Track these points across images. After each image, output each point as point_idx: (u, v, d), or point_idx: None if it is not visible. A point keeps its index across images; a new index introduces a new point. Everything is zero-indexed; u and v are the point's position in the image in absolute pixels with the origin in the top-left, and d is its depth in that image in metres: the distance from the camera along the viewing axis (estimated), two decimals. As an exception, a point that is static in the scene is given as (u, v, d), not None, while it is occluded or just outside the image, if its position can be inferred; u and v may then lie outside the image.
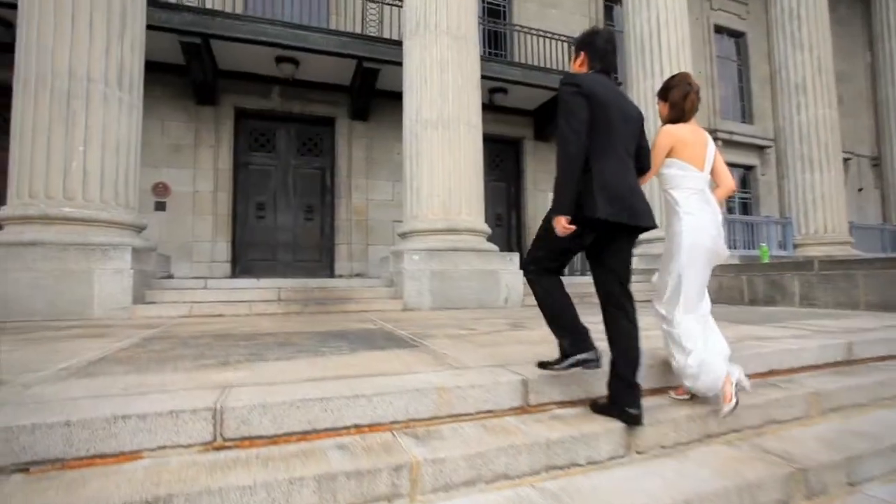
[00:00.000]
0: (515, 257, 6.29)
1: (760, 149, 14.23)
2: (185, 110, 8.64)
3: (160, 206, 8.43)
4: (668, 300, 2.08)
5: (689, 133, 2.13)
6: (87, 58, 4.99)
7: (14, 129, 4.89)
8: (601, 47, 2.01)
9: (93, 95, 5.01)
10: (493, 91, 9.58)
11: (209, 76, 8.17)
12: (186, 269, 8.42)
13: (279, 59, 8.18)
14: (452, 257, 5.91)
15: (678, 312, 2.04)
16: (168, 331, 3.69)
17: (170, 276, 6.01)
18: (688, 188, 2.08)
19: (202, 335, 3.40)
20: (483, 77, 7.13)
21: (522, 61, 10.22)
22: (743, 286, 6.26)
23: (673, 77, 2.21)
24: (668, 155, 2.12)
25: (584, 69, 2.05)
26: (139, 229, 5.47)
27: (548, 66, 10.32)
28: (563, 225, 1.82)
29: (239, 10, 8.07)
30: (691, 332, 2.00)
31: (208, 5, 7.59)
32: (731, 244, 9.89)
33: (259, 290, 5.47)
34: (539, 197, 10.98)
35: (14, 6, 5.37)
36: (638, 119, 2.03)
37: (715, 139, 13.13)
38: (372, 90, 8.96)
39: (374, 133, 9.69)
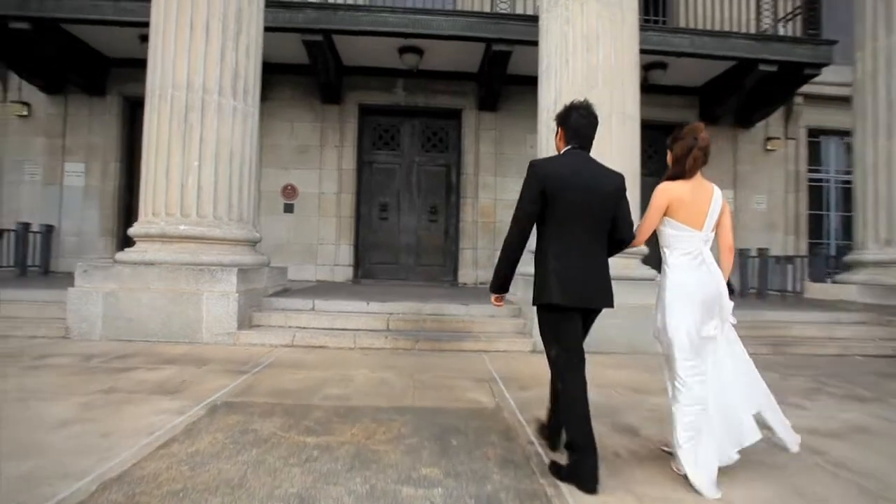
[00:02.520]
0: (683, 289, 4.75)
1: None
2: (311, 110, 8.53)
3: (289, 209, 8.50)
4: (667, 357, 2.05)
5: (689, 191, 2.04)
6: (203, 67, 4.75)
7: (143, 146, 4.89)
8: (574, 124, 2.06)
9: (208, 106, 4.78)
10: (648, 67, 7.78)
11: (332, 74, 7.87)
12: (311, 272, 8.41)
13: (402, 50, 7.52)
14: (596, 288, 4.62)
15: (676, 369, 1.98)
16: (251, 385, 3.15)
17: (286, 290, 5.77)
18: (679, 248, 2.05)
19: (280, 401, 2.77)
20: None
21: (688, 26, 8.15)
22: None
23: (682, 128, 2.11)
24: (665, 214, 2.06)
25: (563, 144, 2.12)
26: (252, 243, 5.23)
27: (724, 28, 8.10)
28: (493, 301, 2.20)
29: (361, 1, 7.57)
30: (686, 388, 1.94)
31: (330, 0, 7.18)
32: None
33: (367, 315, 4.85)
34: (705, 194, 8.85)
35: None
36: (615, 192, 2.01)
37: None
38: (502, 76, 7.86)
39: (503, 125, 8.61)
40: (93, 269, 4.47)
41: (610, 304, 1.99)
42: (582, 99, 2.16)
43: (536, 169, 1.99)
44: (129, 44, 7.60)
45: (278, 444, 2.20)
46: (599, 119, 1.96)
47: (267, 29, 6.77)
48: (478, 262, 8.55)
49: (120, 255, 4.63)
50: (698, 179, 2.06)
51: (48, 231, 8.16)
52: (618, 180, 2.05)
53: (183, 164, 4.70)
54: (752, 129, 9.21)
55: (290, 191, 8.51)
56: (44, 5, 6.92)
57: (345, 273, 8.49)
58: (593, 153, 2.07)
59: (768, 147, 9.23)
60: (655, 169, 9.08)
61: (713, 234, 2.06)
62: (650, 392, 3.26)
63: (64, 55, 7.57)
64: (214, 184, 4.79)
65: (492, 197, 8.59)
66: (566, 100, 4.97)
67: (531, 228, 2.03)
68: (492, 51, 7.21)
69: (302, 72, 8.13)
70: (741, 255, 7.87)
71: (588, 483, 1.80)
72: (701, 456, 1.84)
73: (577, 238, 1.96)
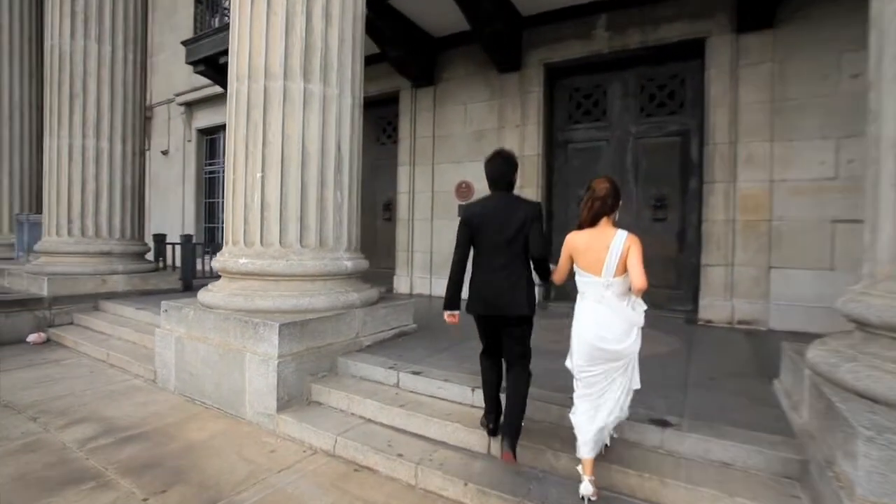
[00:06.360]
0: None
1: None
2: (487, 85, 6.71)
3: (462, 213, 6.96)
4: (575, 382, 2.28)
5: (585, 241, 2.21)
6: (264, 44, 3.57)
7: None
8: (489, 174, 2.51)
9: (271, 96, 3.58)
10: None
11: (504, 29, 5.84)
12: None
13: (592, -35, 4.92)
14: None
15: (575, 395, 2.26)
16: None
17: (401, 335, 4.20)
18: (583, 293, 2.24)
19: None
20: None
21: None
22: None
23: (590, 181, 2.33)
24: (573, 262, 2.27)
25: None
26: (340, 277, 3.83)
27: None
28: (446, 318, 2.52)
29: None
30: (578, 410, 2.21)
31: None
32: None
33: (465, 415, 2.81)
34: None
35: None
36: (523, 219, 2.36)
37: None
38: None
39: (787, 51, 4.87)
40: (170, 310, 3.87)
41: (514, 313, 2.38)
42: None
43: (462, 211, 2.76)
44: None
45: None
46: None
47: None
48: (735, 287, 5.15)
49: (199, 294, 3.91)
50: (600, 227, 2.21)
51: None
52: (528, 210, 2.39)
53: (246, 178, 3.64)
54: None
55: (464, 189, 6.96)
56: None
57: (528, 294, 6.43)
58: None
59: None
60: None
61: (617, 279, 2.13)
62: None
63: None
64: (280, 199, 3.58)
65: (763, 177, 5.01)
66: None
67: (467, 254, 2.50)
68: None
69: (474, 39, 6.40)
70: None
71: (489, 421, 2.53)
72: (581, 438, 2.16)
73: (493, 262, 2.41)
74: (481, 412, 2.69)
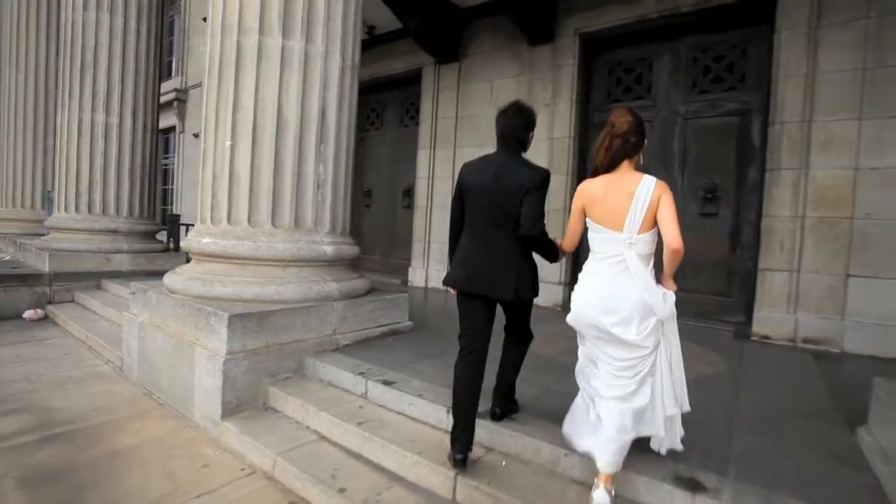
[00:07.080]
0: None
1: None
2: (516, 60, 6.03)
3: (484, 201, 6.33)
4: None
5: (602, 188, 1.81)
6: (237, -9, 3.09)
7: (212, 127, 3.66)
8: (498, 129, 2.18)
9: (244, 53, 3.10)
10: None
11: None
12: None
13: None
14: None
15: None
16: None
17: (392, 333, 3.66)
18: (598, 252, 1.82)
19: None
20: None
21: None
22: None
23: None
24: (587, 215, 1.88)
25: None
26: (319, 264, 3.32)
27: None
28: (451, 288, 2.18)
29: None
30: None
31: None
32: None
33: (426, 442, 2.23)
34: None
35: None
36: (519, 187, 1.98)
37: None
38: None
39: (883, 7, 3.91)
40: (137, 292, 3.50)
41: (498, 296, 2.02)
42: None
43: (461, 171, 2.17)
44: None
45: None
46: None
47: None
48: (801, 298, 4.26)
49: (165, 276, 3.52)
50: (621, 171, 1.82)
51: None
52: (525, 177, 2.00)
53: (215, 147, 3.19)
54: None
55: (487, 176, 6.33)
56: None
57: (554, 295, 5.71)
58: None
59: None
60: None
61: (642, 235, 1.73)
62: None
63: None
64: (251, 171, 3.11)
65: (846, 164, 4.08)
66: None
67: (462, 219, 2.16)
68: None
69: (503, 9, 5.74)
70: None
71: (455, 450, 1.92)
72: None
73: (480, 231, 2.07)
74: (442, 428, 2.11)
